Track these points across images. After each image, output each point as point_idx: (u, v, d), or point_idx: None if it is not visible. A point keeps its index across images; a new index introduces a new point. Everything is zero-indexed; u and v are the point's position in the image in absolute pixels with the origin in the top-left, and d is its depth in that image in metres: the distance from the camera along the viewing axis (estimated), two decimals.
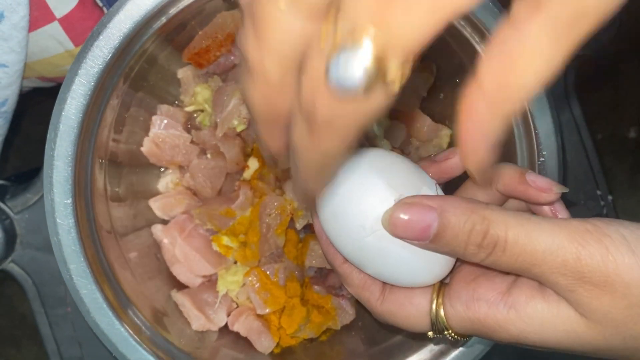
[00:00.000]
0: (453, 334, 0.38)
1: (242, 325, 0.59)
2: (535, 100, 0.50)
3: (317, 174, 0.30)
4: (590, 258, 0.32)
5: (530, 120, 0.50)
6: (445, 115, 0.63)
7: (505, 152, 0.54)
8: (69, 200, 0.48)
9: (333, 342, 0.61)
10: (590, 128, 0.61)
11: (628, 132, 0.77)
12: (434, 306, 0.38)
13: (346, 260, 0.40)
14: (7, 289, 0.73)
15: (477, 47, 0.51)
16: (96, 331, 0.49)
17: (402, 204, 0.35)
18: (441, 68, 0.62)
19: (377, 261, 0.37)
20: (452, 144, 0.64)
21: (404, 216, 0.34)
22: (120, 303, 0.51)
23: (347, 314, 0.61)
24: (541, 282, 0.34)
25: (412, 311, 0.38)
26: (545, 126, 0.50)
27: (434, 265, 0.37)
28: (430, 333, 0.39)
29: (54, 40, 0.60)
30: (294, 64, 0.25)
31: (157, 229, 0.61)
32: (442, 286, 0.38)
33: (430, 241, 0.34)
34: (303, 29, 0.24)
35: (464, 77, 0.56)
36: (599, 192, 0.61)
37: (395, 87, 0.23)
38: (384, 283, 0.40)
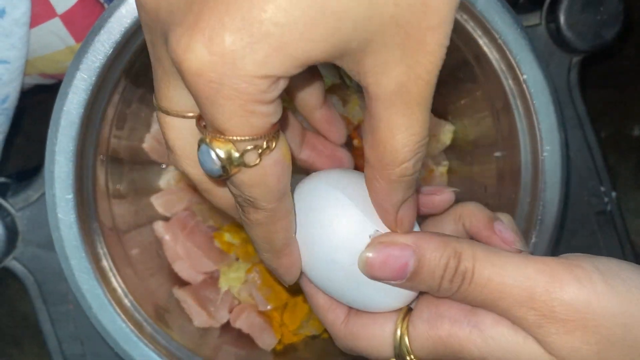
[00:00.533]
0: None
1: (244, 322, 0.59)
2: (538, 95, 0.50)
3: (267, 244, 0.34)
4: (561, 290, 0.31)
5: (533, 115, 0.50)
6: (448, 111, 0.63)
7: (509, 147, 0.54)
8: (70, 196, 0.48)
9: None
10: (593, 126, 0.60)
11: (632, 130, 0.77)
12: (398, 330, 0.35)
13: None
14: (8, 288, 0.72)
15: (480, 41, 0.51)
16: (98, 327, 0.49)
17: (377, 244, 0.33)
18: (444, 64, 0.61)
19: (345, 287, 0.36)
20: (454, 140, 0.64)
21: (379, 257, 0.33)
22: (121, 299, 0.51)
23: None
24: (508, 318, 0.32)
25: (377, 332, 0.36)
26: (548, 121, 0.50)
27: (402, 291, 0.35)
28: None
29: (55, 36, 0.60)
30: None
31: (159, 226, 0.61)
32: (408, 312, 0.36)
33: (407, 280, 0.33)
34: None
35: (466, 73, 0.56)
36: (602, 189, 0.61)
37: (256, 163, 0.27)
38: (350, 307, 0.38)
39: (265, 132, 0.27)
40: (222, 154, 0.27)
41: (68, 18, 0.59)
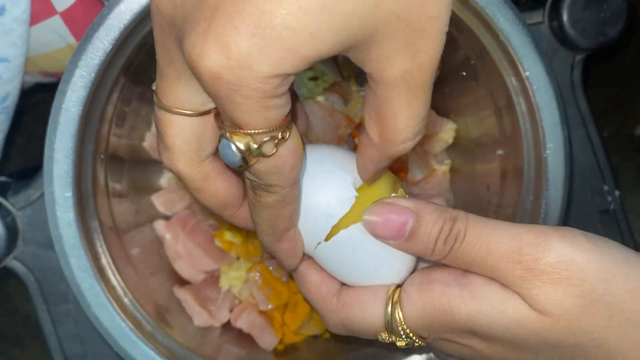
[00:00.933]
0: (407, 330, 0.36)
1: (244, 322, 0.59)
2: (541, 92, 0.49)
3: (271, 227, 0.36)
4: (546, 245, 0.33)
5: (536, 112, 0.50)
6: (450, 109, 0.63)
7: (511, 145, 0.54)
8: (70, 194, 0.48)
9: (337, 339, 0.61)
10: (596, 125, 0.60)
11: (635, 129, 0.77)
12: (390, 300, 0.37)
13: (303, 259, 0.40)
14: (9, 288, 0.72)
15: (482, 38, 0.50)
16: (97, 326, 0.48)
17: (380, 203, 0.36)
18: (447, 62, 0.61)
19: (342, 256, 0.38)
20: (457, 138, 0.64)
21: (381, 215, 0.36)
22: (121, 298, 0.50)
23: None
24: (495, 275, 0.34)
25: (369, 300, 0.38)
26: (551, 118, 0.50)
27: (398, 265, 0.38)
28: (383, 334, 0.38)
29: (55, 34, 0.59)
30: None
31: (160, 225, 0.61)
32: (399, 286, 0.38)
33: (405, 239, 0.36)
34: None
35: (469, 70, 0.56)
36: (606, 188, 0.60)
37: (273, 152, 0.30)
38: (342, 284, 0.40)
39: (279, 123, 0.29)
40: (241, 146, 0.29)
41: (68, 16, 0.59)
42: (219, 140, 0.30)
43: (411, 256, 0.38)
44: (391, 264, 0.38)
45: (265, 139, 0.29)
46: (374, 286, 0.38)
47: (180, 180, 0.36)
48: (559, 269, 0.32)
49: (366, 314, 0.38)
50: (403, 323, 0.36)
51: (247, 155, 0.29)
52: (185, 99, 0.32)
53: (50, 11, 0.58)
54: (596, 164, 0.60)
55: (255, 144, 0.29)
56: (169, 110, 0.32)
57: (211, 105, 0.32)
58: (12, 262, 0.56)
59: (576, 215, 0.60)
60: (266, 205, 0.34)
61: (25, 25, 0.57)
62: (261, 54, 0.26)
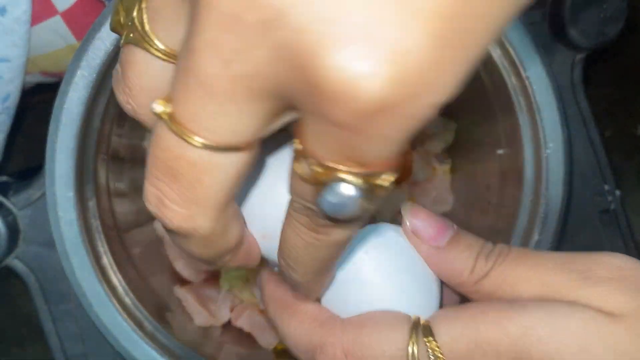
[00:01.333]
0: (435, 346, 0.29)
1: (245, 321, 0.59)
2: (541, 92, 0.50)
3: (321, 266, 0.28)
4: (594, 255, 0.30)
5: (536, 112, 0.50)
6: (451, 108, 0.63)
7: (512, 145, 0.54)
8: (71, 194, 0.48)
9: None
10: (597, 124, 0.60)
11: (635, 129, 0.77)
12: (417, 326, 0.30)
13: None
14: (11, 288, 0.72)
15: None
16: (98, 325, 0.49)
17: (422, 209, 0.34)
18: None
19: (353, 288, 0.32)
20: (457, 138, 0.64)
21: (422, 217, 0.33)
22: (122, 297, 0.51)
23: None
24: (545, 293, 0.30)
25: (387, 321, 0.31)
26: (551, 118, 0.50)
27: (420, 299, 0.32)
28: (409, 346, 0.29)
29: (56, 34, 0.59)
30: None
31: (160, 224, 0.60)
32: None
33: (444, 247, 0.32)
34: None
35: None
36: (606, 187, 0.60)
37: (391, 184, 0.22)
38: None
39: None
40: (364, 188, 0.21)
41: (69, 16, 0.59)
42: (323, 187, 0.21)
43: (435, 292, 0.33)
44: (412, 298, 0.32)
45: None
46: (391, 310, 0.32)
47: (182, 235, 0.26)
48: (616, 273, 0.29)
49: (381, 335, 0.30)
50: (436, 348, 0.29)
51: (366, 199, 0.22)
52: (238, 128, 0.22)
53: (51, 11, 0.58)
54: (597, 164, 0.60)
55: (373, 181, 0.21)
56: (211, 146, 0.22)
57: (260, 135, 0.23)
58: (13, 262, 0.56)
59: (577, 214, 0.60)
60: (333, 243, 0.26)
61: (26, 26, 0.57)
62: (439, 69, 0.19)
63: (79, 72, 0.47)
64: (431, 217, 0.33)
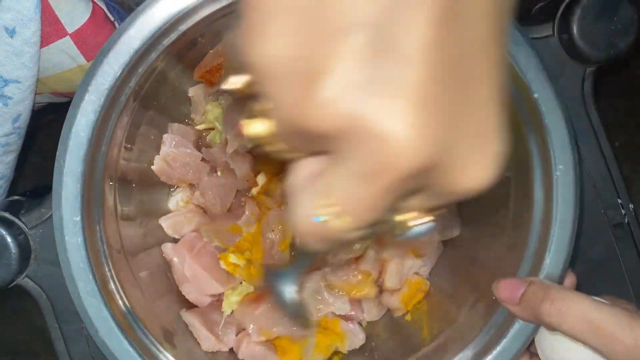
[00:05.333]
0: None
1: (245, 353, 0.59)
2: (550, 114, 0.49)
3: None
4: None
5: (545, 134, 0.49)
6: None
7: (520, 167, 0.53)
8: (78, 218, 0.48)
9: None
10: (608, 137, 0.59)
11: None
12: None
13: None
14: (26, 303, 0.73)
15: None
16: (104, 351, 0.48)
17: (509, 278, 0.49)
18: None
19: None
20: None
21: (503, 284, 0.48)
22: (129, 322, 0.50)
23: (357, 338, 0.60)
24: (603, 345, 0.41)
25: None
26: (560, 139, 0.49)
27: None
28: None
29: (66, 55, 0.60)
30: None
31: (167, 248, 0.61)
32: None
33: (518, 302, 0.46)
34: None
35: None
36: (619, 201, 0.60)
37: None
38: None
39: None
40: None
41: (78, 37, 0.59)
42: None
43: None
44: None
45: None
46: None
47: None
48: None
49: None
50: None
51: None
52: None
53: (61, 32, 0.58)
54: (609, 177, 0.59)
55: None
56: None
57: None
58: (25, 281, 0.56)
59: (590, 229, 0.59)
60: None
61: (35, 47, 0.57)
62: None
63: (87, 97, 0.47)
64: (511, 280, 0.48)
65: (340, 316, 0.61)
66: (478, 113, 0.23)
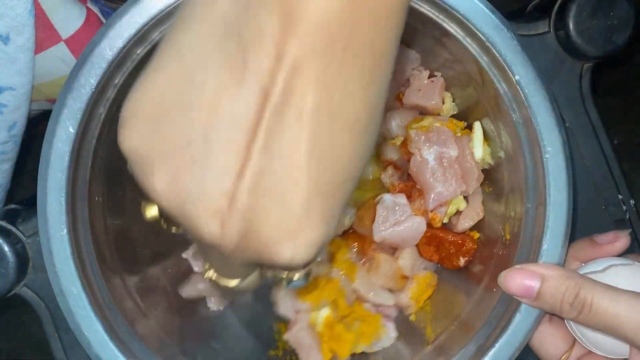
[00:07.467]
0: None
1: (293, 336, 0.60)
2: (533, 96, 0.48)
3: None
4: None
5: (530, 116, 0.48)
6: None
7: (510, 152, 0.53)
8: (64, 232, 0.47)
9: None
10: (607, 134, 0.59)
11: None
12: None
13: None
14: (24, 314, 0.73)
15: (470, 48, 0.50)
16: None
17: (514, 269, 0.45)
18: (444, 73, 0.61)
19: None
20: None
21: (513, 279, 0.45)
22: (122, 335, 0.50)
23: (389, 337, 0.61)
24: (630, 344, 0.42)
25: None
26: (546, 121, 0.48)
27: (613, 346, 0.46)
28: None
29: (60, 61, 0.60)
30: None
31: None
32: None
33: (534, 299, 0.44)
34: None
35: (465, 79, 0.54)
36: (620, 197, 0.59)
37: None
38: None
39: None
40: None
41: (73, 42, 0.59)
42: None
43: None
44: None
45: None
46: None
47: None
48: None
49: None
50: None
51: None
52: None
53: (55, 38, 0.58)
54: (609, 174, 0.59)
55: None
56: None
57: None
58: (23, 290, 0.56)
59: (592, 226, 0.58)
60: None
61: (30, 54, 0.57)
62: None
63: (65, 111, 0.47)
64: (521, 277, 0.45)
65: (382, 312, 0.61)
66: (288, 214, 0.27)
